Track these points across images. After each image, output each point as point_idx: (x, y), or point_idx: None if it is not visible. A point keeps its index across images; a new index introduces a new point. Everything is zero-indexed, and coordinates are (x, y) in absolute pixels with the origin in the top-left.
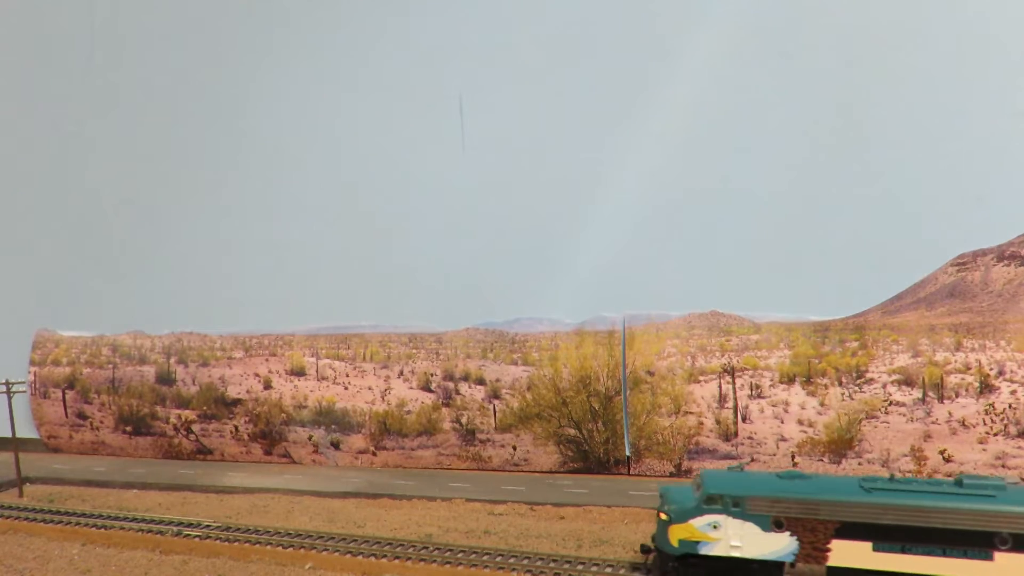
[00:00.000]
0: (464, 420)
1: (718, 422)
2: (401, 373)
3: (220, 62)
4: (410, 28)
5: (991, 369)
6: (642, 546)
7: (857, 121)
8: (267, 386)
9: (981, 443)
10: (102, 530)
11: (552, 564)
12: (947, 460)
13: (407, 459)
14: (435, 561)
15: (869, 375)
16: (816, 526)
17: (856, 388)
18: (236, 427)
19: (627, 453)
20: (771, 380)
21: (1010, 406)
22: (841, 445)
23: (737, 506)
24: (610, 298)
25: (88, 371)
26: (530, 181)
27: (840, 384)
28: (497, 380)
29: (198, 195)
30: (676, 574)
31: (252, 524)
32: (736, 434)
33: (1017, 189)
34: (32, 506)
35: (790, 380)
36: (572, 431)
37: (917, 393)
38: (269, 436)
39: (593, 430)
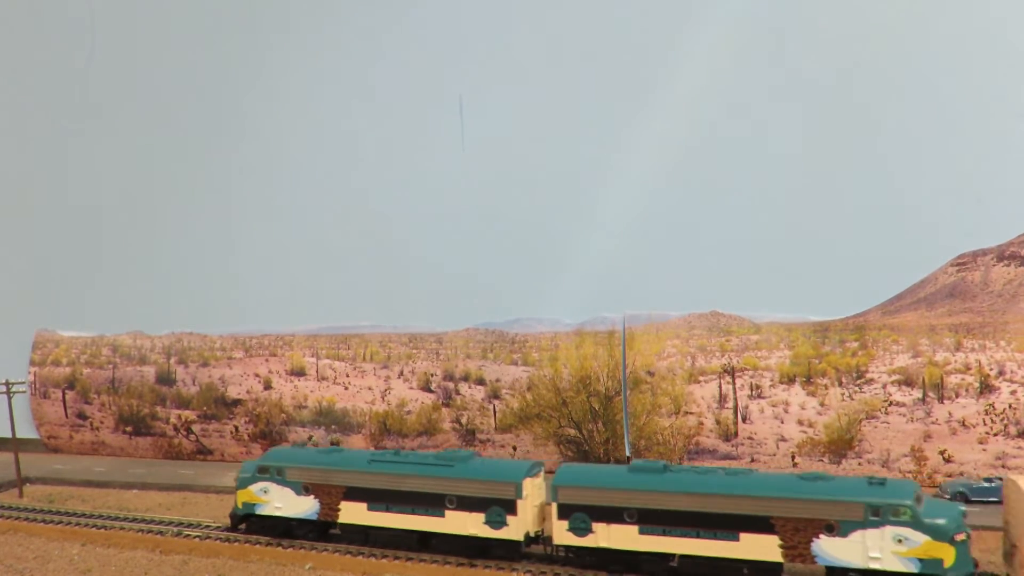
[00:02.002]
0: (464, 420)
1: (718, 422)
2: (401, 373)
3: (220, 63)
4: (410, 29)
5: (991, 369)
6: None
7: (858, 122)
8: (267, 386)
9: (981, 443)
10: (102, 530)
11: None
12: (947, 460)
13: None
14: (435, 561)
15: (869, 375)
16: (331, 490)
17: (856, 388)
18: (236, 427)
19: (627, 453)
20: (771, 380)
21: (1010, 406)
22: (841, 445)
23: (280, 475)
24: (610, 298)
25: (88, 371)
26: (530, 181)
27: (840, 384)
28: (497, 380)
29: (199, 195)
30: (244, 531)
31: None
32: (736, 434)
33: (1017, 189)
34: (32, 506)
35: (790, 380)
36: (572, 431)
37: (917, 393)
38: (269, 436)
39: (593, 430)
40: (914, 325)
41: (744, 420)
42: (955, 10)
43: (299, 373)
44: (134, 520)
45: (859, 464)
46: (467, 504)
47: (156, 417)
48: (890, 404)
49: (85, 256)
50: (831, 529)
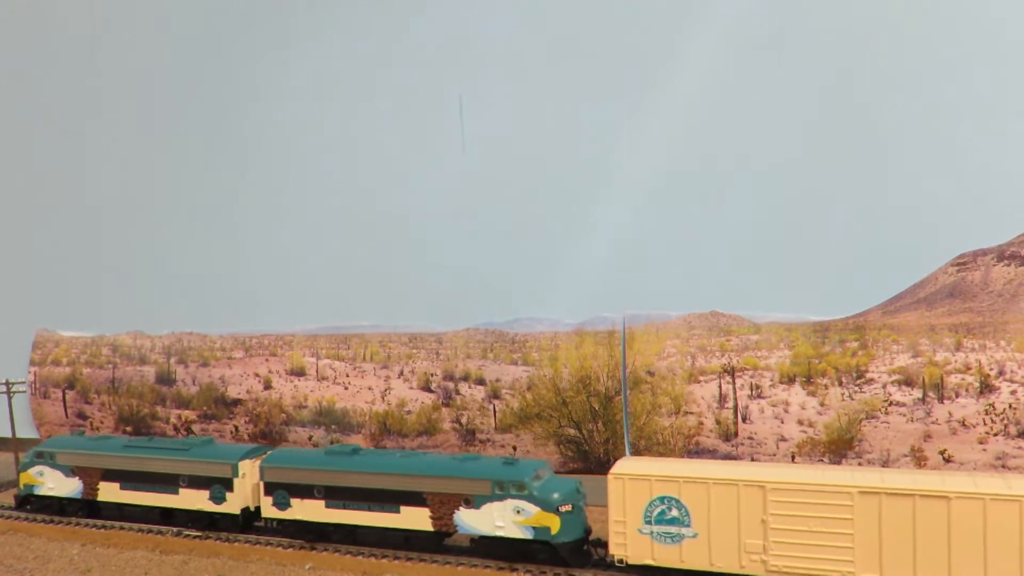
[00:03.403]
0: (464, 420)
1: (718, 422)
2: (401, 373)
3: (221, 64)
4: (411, 30)
5: (991, 369)
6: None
7: (858, 122)
8: (267, 386)
9: (981, 443)
10: (102, 530)
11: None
12: (947, 460)
13: None
14: (435, 561)
15: (869, 375)
16: (92, 472)
17: (856, 388)
18: (236, 427)
19: (627, 453)
20: (771, 380)
21: (1010, 406)
22: (841, 445)
23: (52, 459)
24: (610, 298)
25: (88, 371)
26: (530, 181)
27: (840, 384)
28: (497, 380)
29: (199, 196)
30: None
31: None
32: (736, 434)
33: (1017, 189)
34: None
35: (790, 380)
36: (572, 431)
37: (917, 393)
38: (269, 436)
39: (593, 430)
40: (914, 325)
41: (744, 420)
42: (955, 10)
43: (299, 373)
44: (134, 520)
45: (859, 464)
46: (196, 483)
47: (156, 417)
48: (890, 404)
49: (85, 256)
50: (468, 502)
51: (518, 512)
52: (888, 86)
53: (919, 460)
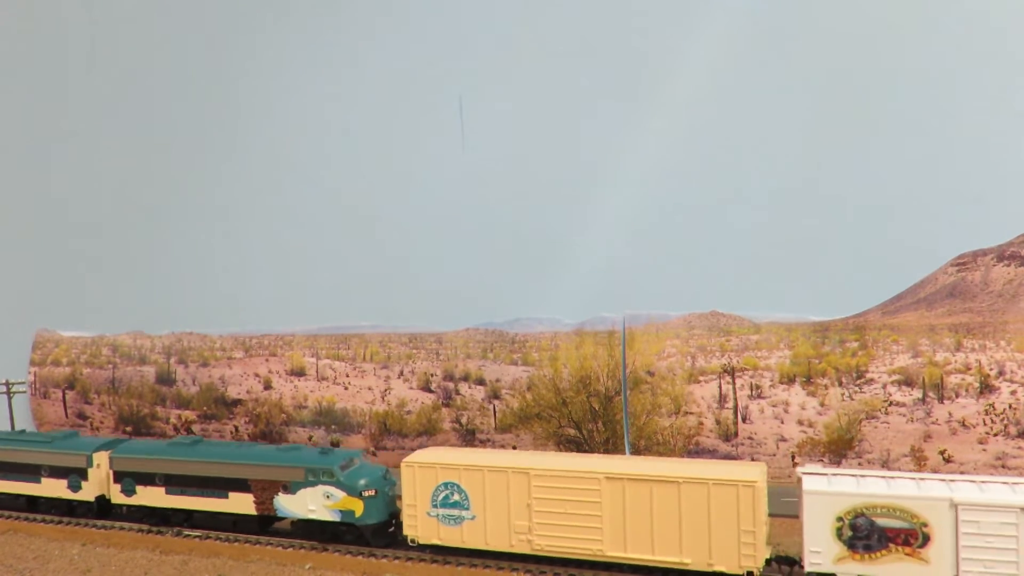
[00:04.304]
0: (464, 420)
1: (718, 422)
2: (401, 373)
3: (221, 63)
4: (411, 29)
5: (991, 369)
6: None
7: (857, 122)
8: (267, 386)
9: (981, 443)
10: (102, 530)
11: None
12: (947, 460)
13: None
14: (435, 561)
15: (869, 375)
16: None
17: (856, 388)
18: (236, 427)
19: (627, 453)
20: (771, 380)
21: (1010, 406)
22: (841, 445)
23: None
24: (610, 298)
25: (88, 371)
26: (530, 181)
27: (840, 384)
28: (497, 380)
29: (198, 196)
30: None
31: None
32: (736, 434)
33: (1017, 189)
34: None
35: (790, 380)
36: (572, 431)
37: (917, 393)
38: (269, 436)
39: (593, 430)
40: (914, 325)
41: (744, 420)
42: (955, 11)
43: (299, 373)
44: (134, 520)
45: (859, 464)
46: (56, 473)
47: (156, 417)
48: (890, 404)
49: (85, 256)
50: (286, 488)
51: (327, 497)
52: (888, 86)
53: (919, 460)
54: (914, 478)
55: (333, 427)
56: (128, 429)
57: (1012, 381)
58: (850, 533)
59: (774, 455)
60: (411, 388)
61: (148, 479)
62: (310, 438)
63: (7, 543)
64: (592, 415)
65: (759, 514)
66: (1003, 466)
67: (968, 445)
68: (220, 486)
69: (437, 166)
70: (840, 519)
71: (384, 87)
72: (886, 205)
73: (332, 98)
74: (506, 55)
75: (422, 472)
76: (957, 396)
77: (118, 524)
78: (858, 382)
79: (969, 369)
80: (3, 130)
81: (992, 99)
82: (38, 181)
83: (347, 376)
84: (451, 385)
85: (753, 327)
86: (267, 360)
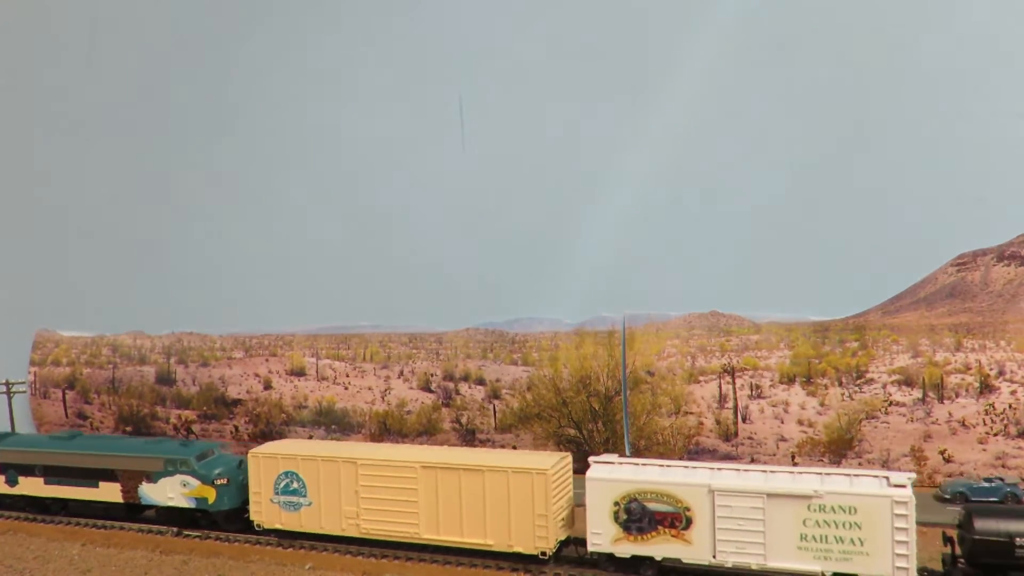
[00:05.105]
0: (464, 420)
1: (718, 422)
2: (401, 373)
3: (221, 62)
4: (411, 29)
5: (991, 369)
6: None
7: (857, 122)
8: (267, 386)
9: (981, 443)
10: (102, 530)
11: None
12: (947, 460)
13: None
14: (435, 561)
15: (869, 375)
16: None
17: (856, 388)
18: (236, 427)
19: (627, 453)
20: (771, 380)
21: (1010, 406)
22: (841, 445)
23: None
24: (610, 298)
25: (88, 371)
26: (530, 181)
27: (840, 384)
28: (497, 380)
29: (199, 196)
30: None
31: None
32: (736, 434)
33: (1017, 189)
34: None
35: (790, 380)
36: (572, 431)
37: (917, 393)
38: (269, 436)
39: (593, 430)
40: (914, 325)
41: (744, 420)
42: (955, 11)
43: (299, 373)
44: (134, 520)
45: (859, 464)
46: None
47: (156, 417)
48: (890, 404)
49: (85, 256)
50: (149, 478)
51: (184, 485)
52: (889, 86)
53: (919, 460)
54: (687, 467)
55: (333, 427)
56: (128, 429)
57: (1012, 381)
58: (625, 516)
59: (774, 455)
60: (411, 388)
61: (29, 470)
62: (310, 437)
63: (7, 543)
64: (592, 415)
65: (550, 500)
66: (1003, 466)
67: (968, 445)
68: (92, 476)
69: (437, 166)
70: (617, 504)
71: (385, 87)
72: (886, 205)
73: (332, 98)
74: (506, 55)
75: (266, 462)
76: (957, 396)
77: (118, 524)
78: (858, 382)
79: (969, 369)
80: (3, 130)
81: (992, 99)
82: (38, 181)
83: (347, 376)
84: (451, 385)
85: (753, 327)
86: (267, 360)
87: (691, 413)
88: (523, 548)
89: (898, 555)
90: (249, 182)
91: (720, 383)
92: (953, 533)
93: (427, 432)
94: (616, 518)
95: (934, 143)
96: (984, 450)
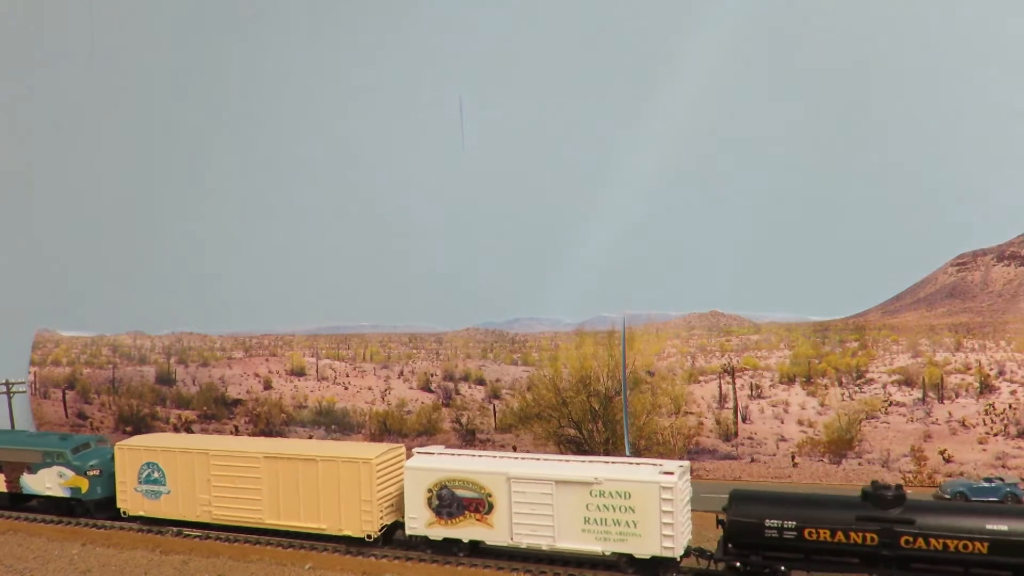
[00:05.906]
0: (464, 420)
1: (718, 422)
2: (401, 373)
3: (221, 64)
4: (411, 29)
5: (991, 369)
6: None
7: (857, 122)
8: (267, 386)
9: (981, 443)
10: (102, 530)
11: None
12: (947, 460)
13: None
14: (435, 561)
15: (869, 375)
16: None
17: (856, 388)
18: (236, 427)
19: (627, 453)
20: (771, 380)
21: (1010, 406)
22: (841, 445)
23: None
24: (610, 298)
25: (88, 371)
26: (530, 181)
27: (840, 384)
28: (497, 380)
29: (198, 196)
30: None
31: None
32: (736, 434)
33: (1017, 189)
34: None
35: (790, 380)
36: (572, 431)
37: (917, 393)
38: (269, 436)
39: (593, 430)
40: (914, 325)
41: (744, 420)
42: (955, 11)
43: (299, 373)
44: (134, 520)
45: (859, 464)
46: None
47: (156, 417)
48: (890, 404)
49: (85, 256)
50: (30, 469)
51: (60, 476)
52: (888, 86)
53: (919, 460)
54: (496, 456)
55: (333, 427)
56: (128, 429)
57: (1012, 381)
58: (437, 502)
59: (774, 455)
60: (411, 388)
61: None
62: (310, 438)
63: (7, 543)
64: (592, 415)
65: (375, 487)
66: (1003, 466)
67: (968, 445)
68: None
69: (437, 166)
70: (430, 490)
71: (384, 87)
72: (886, 205)
73: (332, 98)
74: (506, 55)
75: (131, 454)
76: (957, 396)
77: (118, 524)
78: (858, 382)
79: (969, 369)
80: (2, 130)
81: (992, 99)
82: (38, 180)
83: (347, 376)
84: (451, 385)
85: (753, 327)
86: (267, 360)
87: (691, 413)
88: (351, 531)
89: (665, 536)
90: (249, 182)
91: (720, 383)
92: (724, 517)
93: (427, 432)
94: (430, 503)
95: (934, 142)
96: (984, 450)
